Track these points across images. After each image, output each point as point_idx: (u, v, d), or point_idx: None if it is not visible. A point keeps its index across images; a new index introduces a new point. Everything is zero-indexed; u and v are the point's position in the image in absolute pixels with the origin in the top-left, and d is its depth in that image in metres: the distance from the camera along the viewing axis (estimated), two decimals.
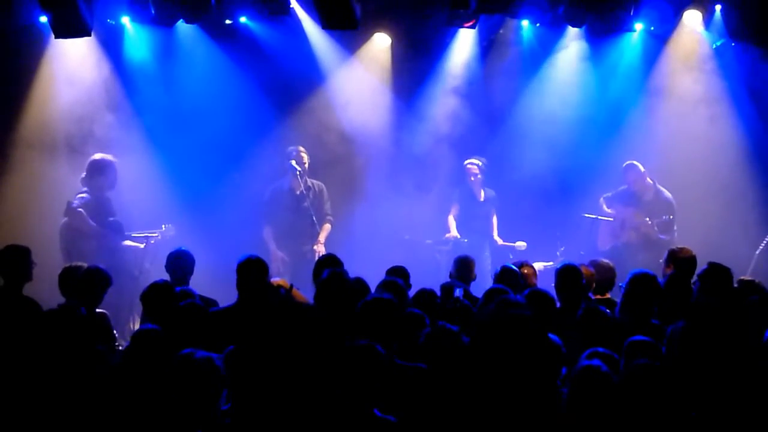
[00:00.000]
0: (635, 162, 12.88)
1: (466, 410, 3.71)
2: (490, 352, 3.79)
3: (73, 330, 6.18)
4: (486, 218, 13.64)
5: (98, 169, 12.14)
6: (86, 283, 8.43)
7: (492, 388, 3.71)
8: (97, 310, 8.51)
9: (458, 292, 8.34)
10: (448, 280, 9.35)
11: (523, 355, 3.79)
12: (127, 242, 12.17)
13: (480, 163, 13.59)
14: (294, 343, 3.22)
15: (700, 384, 3.78)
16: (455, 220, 13.58)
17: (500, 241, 13.54)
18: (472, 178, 13.58)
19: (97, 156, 12.31)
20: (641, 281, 7.66)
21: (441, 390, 5.28)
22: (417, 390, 5.49)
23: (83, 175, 12.16)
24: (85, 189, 12.05)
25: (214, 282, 9.99)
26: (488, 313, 4.22)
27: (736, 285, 8.24)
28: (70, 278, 8.77)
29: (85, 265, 8.97)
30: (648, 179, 12.85)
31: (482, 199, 13.66)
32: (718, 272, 8.21)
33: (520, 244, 13.30)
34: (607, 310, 7.49)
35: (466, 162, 13.66)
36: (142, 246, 12.13)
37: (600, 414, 4.74)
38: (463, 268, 9.51)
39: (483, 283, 10.19)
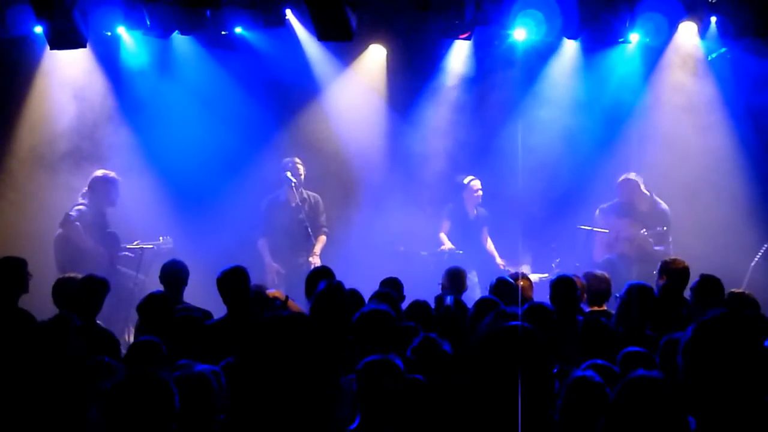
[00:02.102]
0: (630, 176, 12.87)
1: (463, 422, 3.70)
2: (490, 364, 3.79)
3: (66, 340, 6.16)
4: (476, 236, 13.56)
5: (100, 186, 12.18)
6: (84, 293, 8.38)
7: (490, 401, 3.70)
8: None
9: (448, 300, 8.35)
10: (440, 291, 9.38)
11: (523, 367, 3.78)
12: (122, 254, 12.17)
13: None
14: (288, 354, 3.21)
15: (704, 396, 3.77)
16: (446, 236, 13.54)
17: (503, 265, 13.40)
18: (478, 193, 13.53)
19: (100, 172, 12.33)
20: (638, 293, 7.66)
21: (436, 402, 5.27)
22: (415, 402, 5.48)
23: (84, 190, 12.18)
24: (82, 201, 12.06)
25: (209, 294, 9.97)
26: (488, 326, 4.21)
27: (726, 297, 8.26)
28: (63, 289, 8.75)
29: (80, 276, 8.95)
30: (644, 190, 12.85)
31: (473, 218, 13.63)
32: (710, 284, 8.25)
33: (525, 268, 13.15)
34: (608, 322, 7.49)
35: (468, 180, 13.60)
36: (134, 256, 12.12)
37: (593, 425, 4.72)
38: (455, 278, 9.55)
39: (470, 298, 10.20)
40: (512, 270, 12.95)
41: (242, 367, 3.29)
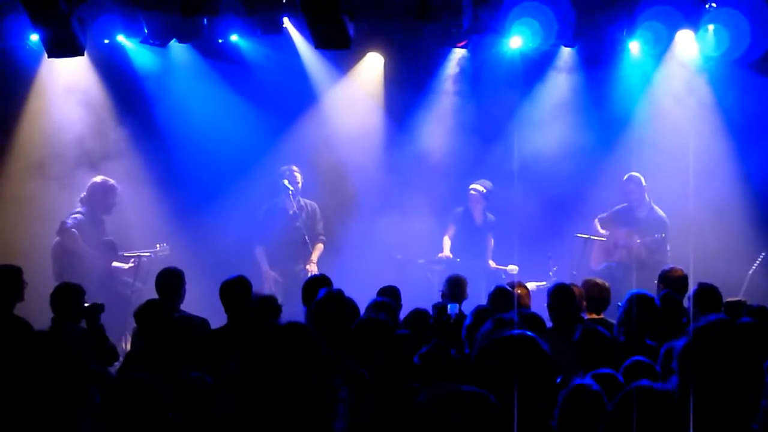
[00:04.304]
0: (633, 174, 12.91)
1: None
2: (489, 373, 3.77)
3: (64, 348, 6.13)
4: (482, 243, 13.49)
5: (99, 192, 12.20)
6: (60, 300, 8.34)
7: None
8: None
9: (451, 309, 8.31)
10: (440, 300, 9.33)
11: (523, 376, 3.77)
12: (118, 263, 12.15)
13: (482, 189, 13.48)
14: (289, 362, 3.20)
15: (699, 401, 3.76)
16: (450, 240, 13.50)
17: (493, 265, 13.42)
18: (480, 204, 13.48)
19: (99, 179, 12.35)
20: (639, 302, 7.64)
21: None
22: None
23: (83, 194, 12.19)
24: (79, 209, 12.06)
25: (208, 302, 9.95)
26: (486, 334, 4.20)
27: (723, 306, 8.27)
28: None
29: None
30: (645, 195, 12.88)
31: (480, 224, 13.58)
32: (708, 293, 8.26)
33: (512, 268, 13.13)
34: (606, 331, 7.46)
35: (471, 187, 13.58)
36: (132, 265, 12.10)
37: None
38: (455, 287, 9.50)
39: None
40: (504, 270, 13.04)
41: (243, 374, 3.27)
